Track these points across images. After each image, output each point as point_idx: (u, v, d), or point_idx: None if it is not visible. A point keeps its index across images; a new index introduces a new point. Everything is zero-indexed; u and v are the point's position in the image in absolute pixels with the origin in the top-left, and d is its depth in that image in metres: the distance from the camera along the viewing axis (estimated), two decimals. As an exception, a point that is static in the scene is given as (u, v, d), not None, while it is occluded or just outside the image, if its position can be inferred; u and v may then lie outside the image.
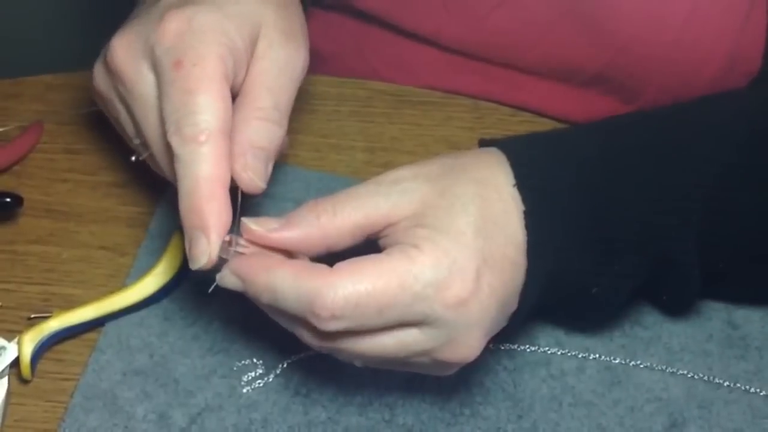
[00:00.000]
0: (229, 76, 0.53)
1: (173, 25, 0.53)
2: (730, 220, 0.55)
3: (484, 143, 0.56)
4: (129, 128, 0.57)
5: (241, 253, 0.50)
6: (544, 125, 0.72)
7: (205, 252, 0.50)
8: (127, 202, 0.65)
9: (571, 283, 0.54)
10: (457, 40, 0.73)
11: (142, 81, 0.54)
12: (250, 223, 0.50)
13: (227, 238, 0.50)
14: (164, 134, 0.52)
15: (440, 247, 0.48)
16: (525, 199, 0.51)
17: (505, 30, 0.71)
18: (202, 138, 0.50)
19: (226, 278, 0.51)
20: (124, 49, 0.54)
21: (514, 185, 0.51)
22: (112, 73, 0.55)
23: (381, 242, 0.51)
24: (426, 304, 0.47)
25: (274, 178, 0.65)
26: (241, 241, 0.51)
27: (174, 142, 0.51)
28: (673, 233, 0.53)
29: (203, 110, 0.51)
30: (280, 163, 0.67)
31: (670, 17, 0.67)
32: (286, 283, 0.48)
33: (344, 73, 0.76)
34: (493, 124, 0.71)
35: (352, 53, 0.78)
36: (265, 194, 0.63)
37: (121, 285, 0.60)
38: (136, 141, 0.57)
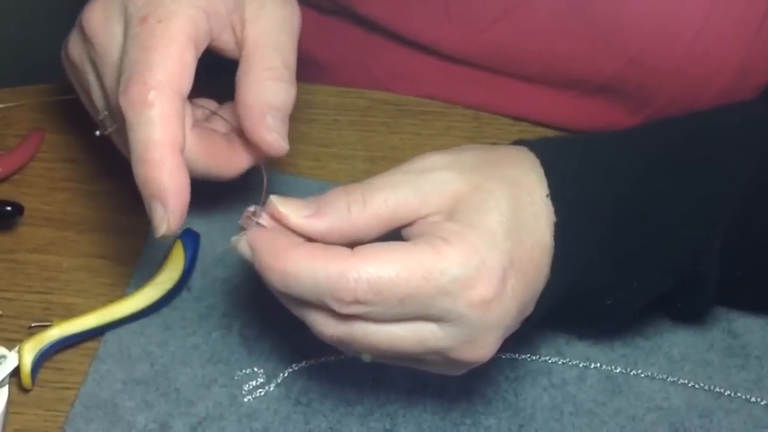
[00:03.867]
0: (200, 39, 0.52)
1: None
2: (753, 230, 0.55)
3: (514, 143, 0.55)
4: (98, 99, 0.55)
5: (262, 226, 0.49)
6: (546, 135, 0.72)
7: (163, 219, 0.50)
8: (127, 211, 0.65)
9: (588, 294, 0.54)
10: (458, 50, 0.73)
11: (113, 44, 0.53)
12: (278, 204, 0.49)
13: (251, 209, 0.49)
14: None
15: (470, 244, 0.47)
16: (557, 211, 0.50)
17: (507, 42, 0.71)
18: (150, 98, 0.49)
19: (241, 245, 0.49)
20: (100, 12, 0.53)
21: (547, 195, 0.50)
22: (85, 38, 0.54)
23: (405, 232, 0.49)
24: (449, 299, 0.46)
25: (273, 188, 0.65)
26: (265, 215, 0.49)
27: (122, 102, 0.50)
28: (698, 247, 0.53)
29: (155, 68, 0.50)
30: (280, 172, 0.67)
31: (682, 29, 0.67)
32: (301, 268, 0.47)
33: (345, 82, 0.76)
34: (493, 133, 0.71)
35: (353, 62, 0.78)
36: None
37: (122, 294, 0.60)
38: (104, 113, 0.55)
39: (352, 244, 0.48)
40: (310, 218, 0.48)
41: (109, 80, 0.53)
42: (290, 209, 0.49)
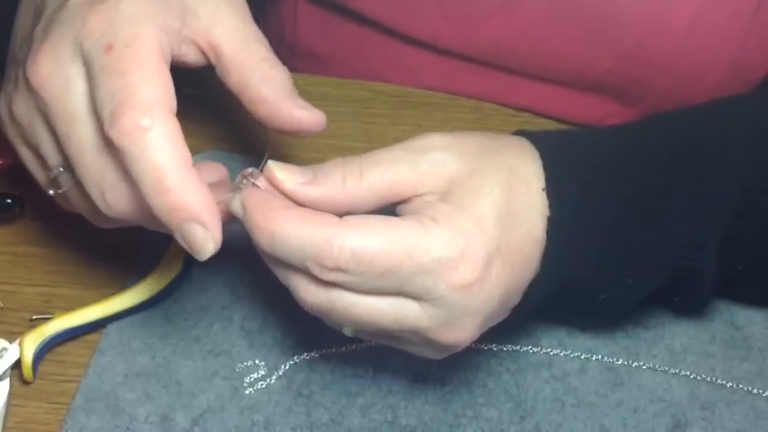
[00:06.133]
0: (166, 57, 0.49)
1: (101, 16, 0.48)
2: (753, 225, 0.54)
3: (515, 134, 0.55)
4: (52, 154, 0.51)
5: (257, 187, 0.49)
6: (548, 126, 0.72)
7: (206, 239, 0.46)
8: (128, 204, 0.65)
9: (580, 289, 0.53)
10: (454, 46, 0.73)
11: (66, 89, 0.48)
12: (276, 170, 0.49)
13: (249, 170, 0.49)
14: (96, 149, 0.48)
15: (458, 226, 0.47)
16: (552, 206, 0.50)
17: (502, 38, 0.71)
18: (145, 123, 0.45)
19: (234, 203, 0.49)
20: (47, 58, 0.49)
21: (543, 189, 0.50)
22: (32, 89, 0.49)
23: (400, 208, 0.50)
24: (430, 278, 0.47)
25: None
26: (261, 178, 0.49)
27: (113, 135, 0.46)
28: (696, 243, 0.53)
29: (140, 89, 0.46)
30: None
31: (674, 24, 0.67)
32: (288, 230, 0.47)
33: (345, 74, 0.76)
34: (496, 125, 0.71)
35: (353, 55, 0.78)
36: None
37: (123, 286, 0.60)
38: (59, 170, 0.51)
39: (345, 215, 0.48)
40: (304, 185, 0.49)
41: (64, 128, 0.49)
42: (286, 175, 0.49)
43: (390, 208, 0.50)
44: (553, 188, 0.51)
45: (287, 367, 0.58)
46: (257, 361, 0.58)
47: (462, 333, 0.49)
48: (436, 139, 0.51)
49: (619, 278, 0.54)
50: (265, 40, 0.54)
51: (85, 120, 0.48)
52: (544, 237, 0.50)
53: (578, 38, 0.70)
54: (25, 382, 0.56)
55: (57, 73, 0.49)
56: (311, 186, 0.49)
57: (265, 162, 0.50)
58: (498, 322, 0.52)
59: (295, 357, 0.58)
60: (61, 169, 0.51)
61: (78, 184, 0.50)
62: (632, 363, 0.59)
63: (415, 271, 0.47)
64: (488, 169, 0.49)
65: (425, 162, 0.49)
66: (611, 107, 0.74)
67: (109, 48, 0.47)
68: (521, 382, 0.58)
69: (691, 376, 0.59)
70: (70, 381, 0.57)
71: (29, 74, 0.49)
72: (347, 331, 0.51)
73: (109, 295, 0.59)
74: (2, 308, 0.60)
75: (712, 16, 0.67)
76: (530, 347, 0.59)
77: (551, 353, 0.59)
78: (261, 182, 0.49)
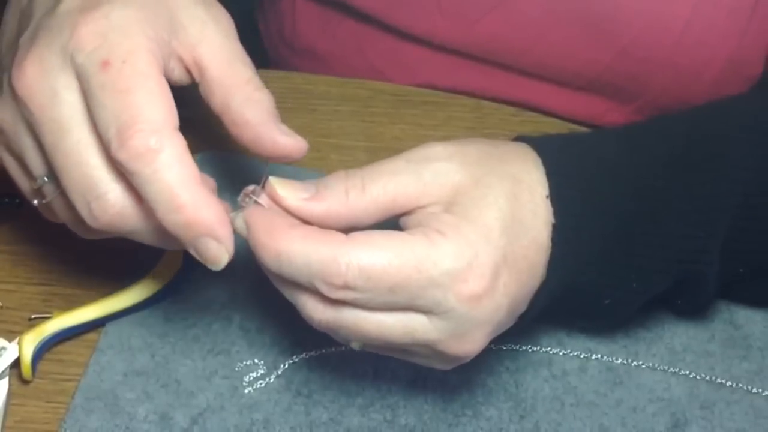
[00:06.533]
0: (162, 70, 0.48)
1: (91, 27, 0.47)
2: (754, 227, 0.54)
3: (516, 139, 0.54)
4: (37, 164, 0.50)
5: (260, 205, 0.49)
6: (547, 125, 0.72)
7: (221, 250, 0.47)
8: (127, 203, 0.65)
9: (585, 294, 0.53)
10: (451, 41, 0.73)
11: (54, 99, 0.47)
12: (277, 186, 0.48)
13: (250, 188, 0.49)
14: (83, 160, 0.47)
15: (465, 238, 0.47)
16: (556, 213, 0.50)
17: (498, 34, 0.71)
18: (154, 144, 0.45)
19: (237, 222, 0.49)
20: (36, 68, 0.47)
21: (547, 196, 0.50)
22: (17, 98, 0.48)
23: (403, 220, 0.49)
24: (440, 291, 0.46)
25: (274, 178, 0.65)
26: (263, 195, 0.49)
27: (122, 158, 0.45)
28: (699, 246, 0.53)
29: (145, 110, 0.46)
30: (280, 162, 0.67)
31: (672, 21, 0.67)
32: (294, 249, 0.46)
33: (344, 72, 0.76)
34: (495, 124, 0.71)
35: (352, 52, 0.78)
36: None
37: (122, 285, 0.60)
38: (44, 180, 0.50)
39: (350, 229, 0.48)
40: (307, 201, 0.48)
41: (50, 138, 0.48)
42: (288, 191, 0.48)
43: (393, 221, 0.50)
44: (557, 195, 0.50)
45: (286, 366, 0.58)
46: (256, 360, 0.58)
47: (471, 344, 0.49)
48: (438, 149, 0.50)
49: (623, 283, 0.53)
50: (250, 61, 0.53)
51: (73, 131, 0.47)
52: (550, 244, 0.50)
53: (575, 35, 0.70)
54: (25, 381, 0.56)
55: (43, 82, 0.47)
56: (314, 201, 0.48)
57: (266, 178, 0.49)
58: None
59: (294, 356, 0.58)
60: (46, 179, 0.50)
61: (63, 194, 0.49)
62: (632, 362, 0.59)
63: (425, 285, 0.46)
64: (492, 178, 0.49)
65: (428, 172, 0.49)
66: (609, 104, 0.74)
67: (105, 64, 0.46)
68: (521, 381, 0.58)
69: (691, 375, 0.59)
70: (69, 380, 0.57)
71: (14, 82, 0.48)
72: (355, 345, 0.51)
73: (108, 295, 0.59)
74: (1, 307, 0.60)
75: (710, 13, 0.67)
76: (530, 346, 0.59)
77: (551, 352, 0.59)
78: (263, 199, 0.49)
